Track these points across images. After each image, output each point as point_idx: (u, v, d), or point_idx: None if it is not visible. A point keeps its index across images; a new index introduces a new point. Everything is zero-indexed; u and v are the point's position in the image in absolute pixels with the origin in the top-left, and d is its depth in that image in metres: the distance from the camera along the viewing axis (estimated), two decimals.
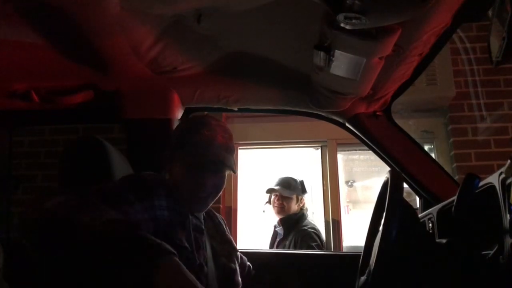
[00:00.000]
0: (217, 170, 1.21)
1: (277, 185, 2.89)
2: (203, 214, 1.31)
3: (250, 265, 1.44)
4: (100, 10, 1.16)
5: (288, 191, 2.85)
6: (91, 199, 0.99)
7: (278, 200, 2.87)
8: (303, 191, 2.91)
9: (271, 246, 2.92)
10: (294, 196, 2.86)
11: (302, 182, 2.93)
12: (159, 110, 1.64)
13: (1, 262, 1.16)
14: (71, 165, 1.27)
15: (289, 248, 2.71)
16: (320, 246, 2.73)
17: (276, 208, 2.88)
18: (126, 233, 0.88)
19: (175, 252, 0.87)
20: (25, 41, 1.33)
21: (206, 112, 1.80)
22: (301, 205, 2.89)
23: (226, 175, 1.25)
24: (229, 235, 1.37)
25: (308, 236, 2.70)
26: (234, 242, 1.37)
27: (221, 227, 1.37)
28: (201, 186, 1.19)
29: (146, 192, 1.11)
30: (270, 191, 2.92)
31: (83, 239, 0.87)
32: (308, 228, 2.78)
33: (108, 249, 0.85)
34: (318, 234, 2.79)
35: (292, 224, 2.81)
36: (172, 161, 1.23)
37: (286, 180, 2.89)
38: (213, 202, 1.26)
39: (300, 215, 2.86)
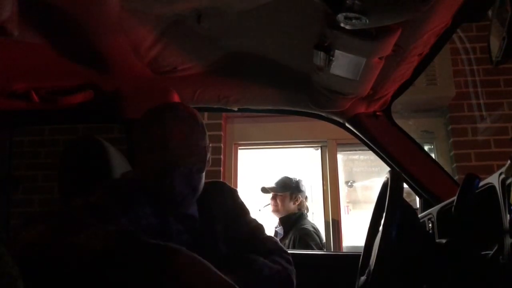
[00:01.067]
0: (182, 172, 1.11)
1: (271, 184, 2.94)
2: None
3: None
4: (100, 10, 1.16)
5: (280, 189, 2.89)
6: (78, 218, 0.92)
7: (272, 199, 2.93)
8: (298, 189, 2.93)
9: None
10: (288, 194, 2.89)
11: (297, 181, 2.96)
12: None
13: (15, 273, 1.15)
14: (71, 165, 1.27)
15: (288, 246, 2.73)
16: (319, 245, 2.74)
17: (272, 207, 2.94)
18: (131, 242, 0.83)
19: (180, 247, 0.84)
20: (25, 41, 1.33)
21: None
22: (297, 203, 2.91)
23: (203, 171, 1.18)
24: (238, 215, 1.28)
25: (307, 235, 2.73)
26: (246, 225, 1.27)
27: (229, 204, 1.29)
28: (170, 191, 1.10)
29: (128, 202, 1.06)
30: (263, 190, 2.98)
31: (83, 261, 0.82)
32: (307, 227, 2.80)
33: (116, 264, 0.80)
34: (317, 233, 2.81)
35: (291, 223, 2.84)
36: (140, 163, 1.15)
37: (280, 180, 2.95)
38: (195, 198, 1.19)
39: (299, 215, 2.89)
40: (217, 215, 1.24)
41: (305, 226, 2.81)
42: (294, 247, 2.72)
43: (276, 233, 2.93)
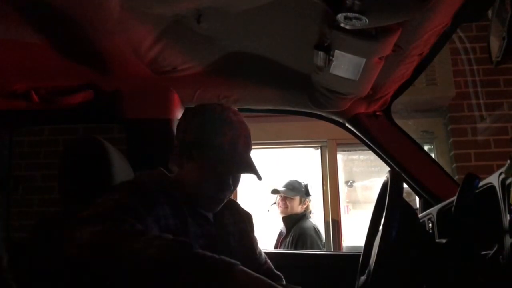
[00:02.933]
0: (239, 175, 1.17)
1: (282, 186, 3.02)
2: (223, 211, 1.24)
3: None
4: (100, 10, 1.16)
5: (291, 192, 2.97)
6: (130, 221, 0.90)
7: (282, 200, 3.01)
8: (307, 193, 3.03)
9: (276, 246, 3.03)
10: (298, 197, 2.98)
11: (306, 186, 3.05)
12: (159, 110, 1.64)
13: (5, 264, 1.16)
14: (71, 165, 1.27)
15: (289, 245, 2.83)
16: (318, 245, 2.82)
17: (280, 208, 3.02)
18: (187, 254, 0.80)
19: (236, 262, 0.81)
20: (25, 41, 1.33)
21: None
22: (304, 206, 3.01)
23: None
24: (252, 238, 1.29)
25: (305, 234, 2.82)
26: (256, 247, 1.28)
27: (243, 226, 1.28)
28: (221, 189, 1.14)
29: (150, 201, 1.05)
30: (274, 191, 3.05)
31: (140, 268, 0.79)
32: (307, 226, 2.89)
33: (170, 276, 0.77)
34: (317, 233, 2.85)
35: (293, 222, 2.93)
36: (189, 159, 1.14)
37: (290, 183, 3.02)
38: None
39: (302, 215, 2.97)
40: (232, 230, 1.24)
41: (305, 226, 2.89)
42: (293, 246, 2.79)
43: (281, 232, 3.03)
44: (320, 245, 2.85)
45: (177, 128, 1.21)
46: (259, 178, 1.17)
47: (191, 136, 1.15)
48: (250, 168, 1.15)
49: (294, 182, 3.02)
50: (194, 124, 1.16)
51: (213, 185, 1.14)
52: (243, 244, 1.25)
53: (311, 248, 2.74)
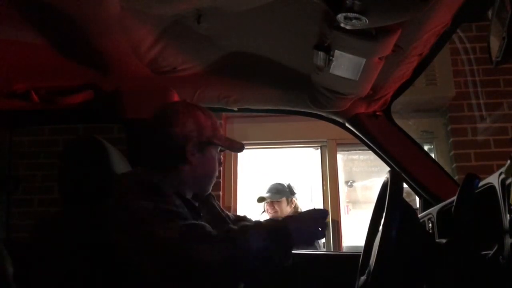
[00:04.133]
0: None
1: (266, 192, 3.07)
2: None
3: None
4: (100, 10, 1.16)
5: (277, 195, 3.03)
6: (200, 224, 1.04)
7: (270, 206, 3.06)
8: (292, 193, 3.07)
9: None
10: (284, 199, 3.03)
11: (289, 185, 3.10)
12: None
13: (9, 267, 1.16)
14: (71, 165, 1.27)
15: None
16: (315, 247, 2.78)
17: (270, 214, 3.06)
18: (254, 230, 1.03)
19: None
20: (25, 41, 1.33)
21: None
22: (293, 206, 3.05)
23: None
24: (223, 212, 1.38)
25: None
26: (229, 217, 1.37)
27: (216, 209, 1.37)
28: (217, 166, 1.29)
29: (166, 201, 1.10)
30: (260, 200, 3.09)
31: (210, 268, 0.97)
32: None
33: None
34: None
35: None
36: (194, 152, 1.22)
37: (273, 187, 3.08)
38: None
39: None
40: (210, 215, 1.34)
41: None
42: None
43: None
44: (320, 245, 2.85)
45: (178, 129, 1.22)
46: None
47: (183, 130, 1.21)
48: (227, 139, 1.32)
49: (277, 185, 3.08)
50: (183, 126, 1.22)
51: (212, 165, 1.27)
52: (219, 222, 1.33)
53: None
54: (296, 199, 3.09)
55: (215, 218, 1.30)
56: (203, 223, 1.06)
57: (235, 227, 1.09)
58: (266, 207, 3.08)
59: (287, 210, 3.03)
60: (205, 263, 0.96)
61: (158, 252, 0.98)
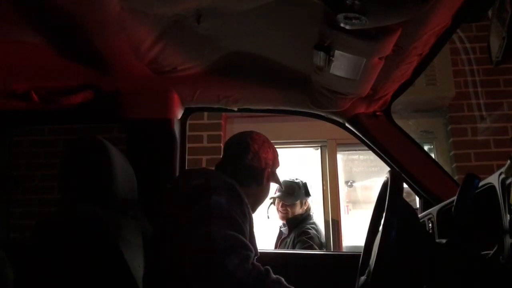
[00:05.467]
0: None
1: (280, 191, 2.89)
2: None
3: None
4: (100, 10, 1.16)
5: (291, 198, 2.86)
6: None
7: (282, 206, 2.90)
8: (307, 194, 2.91)
9: (275, 246, 2.96)
10: (298, 202, 2.87)
11: (305, 185, 2.92)
12: (159, 110, 1.64)
13: (9, 272, 1.16)
14: (71, 165, 1.27)
15: (290, 245, 2.76)
16: (313, 246, 2.72)
17: (280, 213, 2.92)
18: None
19: None
20: (25, 41, 1.33)
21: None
22: (305, 207, 2.91)
23: None
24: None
25: (307, 233, 2.74)
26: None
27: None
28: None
29: (245, 211, 1.21)
30: (273, 200, 2.93)
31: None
32: (308, 228, 2.80)
33: None
34: (317, 234, 2.80)
35: (296, 223, 2.85)
36: (268, 178, 1.44)
37: (289, 186, 2.88)
38: None
39: (306, 216, 2.89)
40: None
41: (306, 228, 2.81)
42: (293, 245, 2.73)
43: (281, 232, 2.96)
44: (321, 245, 2.80)
45: (248, 151, 1.41)
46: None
47: (266, 159, 1.43)
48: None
49: (292, 185, 2.89)
50: (267, 153, 1.45)
51: (267, 194, 1.49)
52: None
53: (310, 248, 2.68)
54: (309, 201, 2.94)
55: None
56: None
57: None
58: (277, 204, 2.93)
59: (299, 211, 2.88)
60: None
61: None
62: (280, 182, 1.54)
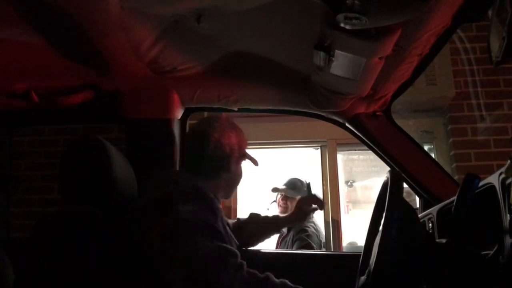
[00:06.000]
0: None
1: (283, 185, 2.94)
2: None
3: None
4: (100, 10, 1.15)
5: (292, 191, 2.90)
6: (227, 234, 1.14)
7: (282, 199, 2.95)
8: (309, 193, 2.90)
9: (277, 245, 2.97)
10: (299, 197, 2.86)
11: (309, 184, 2.89)
12: (159, 110, 1.64)
13: (10, 272, 1.15)
14: (71, 165, 1.27)
15: (289, 243, 2.79)
16: (311, 244, 2.73)
17: (280, 207, 2.95)
18: None
19: None
20: (25, 41, 1.33)
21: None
22: None
23: None
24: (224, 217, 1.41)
25: (306, 232, 2.76)
26: (229, 225, 1.42)
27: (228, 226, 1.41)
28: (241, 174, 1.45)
29: (218, 211, 1.20)
30: (275, 190, 2.97)
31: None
32: (306, 227, 2.81)
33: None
34: (316, 233, 2.82)
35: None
36: (236, 162, 1.41)
37: (292, 181, 2.95)
38: None
39: None
40: None
41: (305, 226, 2.82)
42: (293, 244, 2.75)
43: (282, 235, 2.96)
44: (320, 244, 2.82)
45: (208, 142, 1.35)
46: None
47: (229, 144, 1.37)
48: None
49: (296, 181, 2.96)
50: (229, 138, 1.39)
51: (241, 173, 1.46)
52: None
53: (309, 247, 2.71)
54: None
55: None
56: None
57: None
58: (279, 199, 2.98)
59: None
60: None
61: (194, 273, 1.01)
62: (253, 158, 1.50)
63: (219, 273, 0.98)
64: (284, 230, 2.89)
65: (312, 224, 2.88)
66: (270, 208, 3.09)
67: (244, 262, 1.04)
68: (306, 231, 2.78)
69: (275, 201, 3.02)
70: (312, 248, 2.73)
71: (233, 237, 1.33)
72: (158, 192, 1.17)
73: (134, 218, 1.16)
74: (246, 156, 1.46)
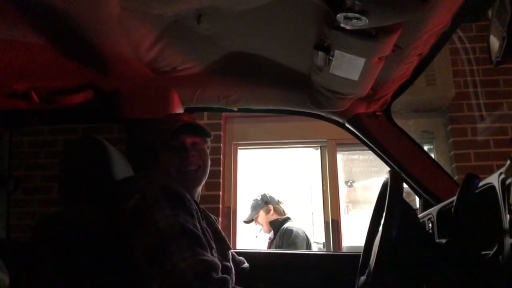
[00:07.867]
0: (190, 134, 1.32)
1: (247, 214, 3.35)
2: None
3: (244, 259, 1.48)
4: (100, 10, 1.16)
5: (253, 212, 3.30)
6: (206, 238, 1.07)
7: (256, 223, 3.34)
8: (266, 202, 3.30)
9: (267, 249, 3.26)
10: (261, 212, 3.28)
11: (263, 196, 3.33)
12: (159, 110, 1.64)
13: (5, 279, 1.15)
14: (71, 165, 1.27)
15: (278, 243, 3.10)
16: (298, 236, 3.03)
17: (261, 227, 3.34)
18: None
19: None
20: (25, 41, 1.33)
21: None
22: (271, 212, 3.28)
23: (206, 147, 1.39)
24: (222, 233, 1.36)
25: (288, 231, 3.08)
26: (228, 241, 1.36)
27: (216, 225, 1.36)
28: (187, 158, 1.29)
29: (192, 208, 1.12)
30: (246, 222, 3.37)
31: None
32: (290, 227, 3.12)
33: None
34: (300, 228, 3.11)
35: (278, 226, 3.19)
36: (161, 155, 1.30)
37: (250, 205, 3.35)
38: (205, 179, 1.35)
39: (285, 219, 3.24)
40: None
41: (287, 226, 3.13)
42: (280, 244, 3.04)
43: (270, 239, 3.28)
44: (307, 239, 3.05)
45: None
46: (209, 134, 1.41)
47: (155, 139, 1.32)
48: (188, 125, 1.35)
49: (252, 203, 3.33)
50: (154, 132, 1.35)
51: (178, 158, 1.31)
52: (219, 241, 1.35)
53: (293, 243, 2.97)
54: (276, 204, 3.28)
55: (215, 233, 1.27)
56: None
57: None
58: (256, 224, 3.35)
59: (268, 218, 3.26)
60: None
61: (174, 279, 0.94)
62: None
63: None
64: (271, 235, 3.24)
65: (294, 224, 3.17)
66: (258, 235, 3.54)
67: (227, 277, 0.98)
68: (291, 229, 3.08)
69: (260, 230, 3.39)
70: (300, 236, 3.03)
71: (220, 232, 1.31)
72: (137, 195, 1.08)
73: (120, 224, 1.11)
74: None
